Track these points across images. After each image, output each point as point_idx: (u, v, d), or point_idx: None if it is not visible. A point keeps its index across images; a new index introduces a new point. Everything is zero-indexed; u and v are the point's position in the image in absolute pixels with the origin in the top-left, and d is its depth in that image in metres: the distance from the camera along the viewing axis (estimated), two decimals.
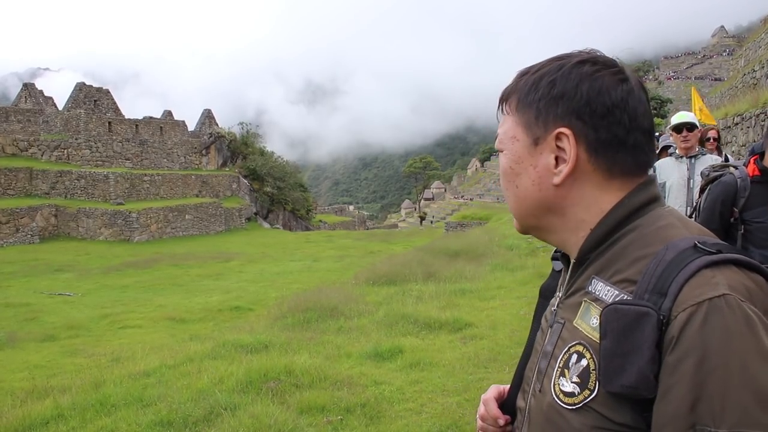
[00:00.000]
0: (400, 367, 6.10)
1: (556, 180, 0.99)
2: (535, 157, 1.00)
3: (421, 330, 7.52)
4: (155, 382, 5.81)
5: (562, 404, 0.93)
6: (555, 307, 1.07)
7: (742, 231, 3.36)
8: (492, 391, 1.25)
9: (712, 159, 5.15)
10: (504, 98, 1.06)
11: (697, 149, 5.19)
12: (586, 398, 0.90)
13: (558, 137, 0.98)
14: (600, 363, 0.88)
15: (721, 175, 3.51)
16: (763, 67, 20.64)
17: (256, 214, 46.08)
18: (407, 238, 33.39)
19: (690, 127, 5.12)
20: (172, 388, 5.48)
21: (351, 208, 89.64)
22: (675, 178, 5.13)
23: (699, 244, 0.88)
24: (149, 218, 34.36)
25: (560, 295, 1.07)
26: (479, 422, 1.24)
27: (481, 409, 1.24)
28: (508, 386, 1.23)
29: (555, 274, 1.21)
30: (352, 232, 44.57)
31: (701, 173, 3.90)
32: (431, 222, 63.51)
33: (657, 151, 6.36)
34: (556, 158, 0.98)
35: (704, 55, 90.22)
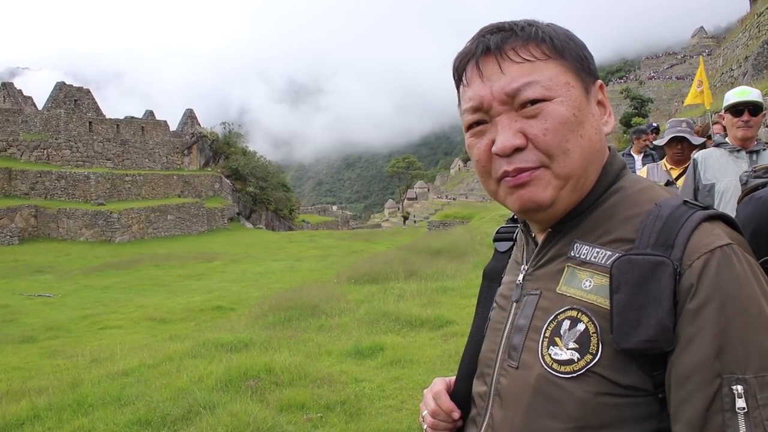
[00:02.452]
0: (381, 365, 6.10)
1: (607, 128, 1.02)
2: (590, 105, 0.99)
3: (402, 328, 7.53)
4: (134, 382, 5.77)
5: (557, 374, 0.89)
6: (520, 281, 1.04)
7: None
8: (440, 384, 1.18)
9: None
10: (528, 40, 0.97)
11: (756, 141, 3.79)
12: (588, 363, 0.87)
13: (601, 87, 1.02)
14: (612, 320, 0.85)
15: (763, 185, 2.25)
16: (740, 66, 20.93)
17: (238, 214, 45.85)
18: (390, 238, 33.37)
19: (754, 108, 3.66)
20: (150, 387, 5.44)
21: (334, 208, 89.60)
22: (731, 179, 3.63)
23: (689, 202, 0.91)
24: (131, 219, 34.05)
25: (526, 267, 1.04)
26: (429, 419, 1.15)
27: (431, 404, 1.15)
28: (454, 378, 1.17)
29: (499, 256, 1.20)
30: (335, 231, 44.51)
31: (740, 178, 2.52)
32: (414, 221, 63.55)
33: (665, 142, 4.90)
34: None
35: (684, 56, 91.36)
